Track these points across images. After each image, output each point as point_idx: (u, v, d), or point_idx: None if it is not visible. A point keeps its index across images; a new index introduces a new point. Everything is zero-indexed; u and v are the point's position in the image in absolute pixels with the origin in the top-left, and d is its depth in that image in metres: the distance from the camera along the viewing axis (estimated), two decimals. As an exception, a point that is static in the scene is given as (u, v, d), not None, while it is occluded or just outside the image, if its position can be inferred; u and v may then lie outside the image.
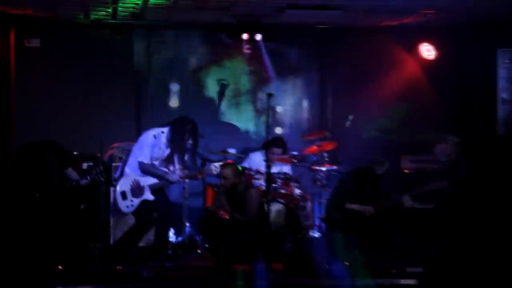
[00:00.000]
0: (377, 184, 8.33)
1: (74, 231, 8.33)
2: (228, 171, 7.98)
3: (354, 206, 8.22)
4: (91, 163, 9.12)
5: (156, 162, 7.96)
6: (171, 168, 8.01)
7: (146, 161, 7.86)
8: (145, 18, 9.82)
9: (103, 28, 10.27)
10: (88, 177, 8.05)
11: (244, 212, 7.79)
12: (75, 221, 8.55)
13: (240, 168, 8.38)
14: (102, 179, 8.27)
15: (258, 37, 10.12)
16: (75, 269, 7.29)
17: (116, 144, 9.66)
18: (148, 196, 7.91)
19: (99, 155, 9.23)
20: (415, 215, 9.28)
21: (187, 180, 8.81)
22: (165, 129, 7.94)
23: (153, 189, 7.95)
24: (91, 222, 8.91)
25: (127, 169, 7.97)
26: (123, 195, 7.90)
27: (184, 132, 7.85)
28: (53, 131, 9.92)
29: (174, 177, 7.94)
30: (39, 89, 10.28)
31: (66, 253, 7.67)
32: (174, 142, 7.87)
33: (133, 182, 7.87)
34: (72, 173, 8.15)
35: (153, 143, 7.86)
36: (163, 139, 7.89)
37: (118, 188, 7.92)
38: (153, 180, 7.94)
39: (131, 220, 8.26)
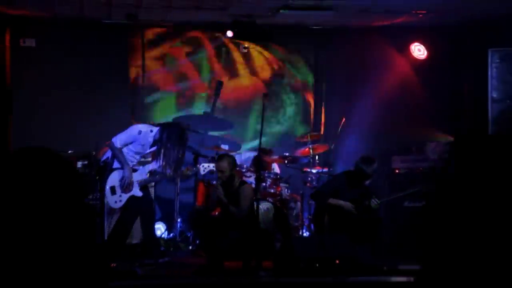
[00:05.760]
0: (366, 183, 8.27)
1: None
2: (223, 164, 7.78)
3: (339, 202, 8.13)
4: (85, 162, 9.10)
5: (137, 156, 7.97)
6: (151, 165, 8.06)
7: (117, 144, 7.81)
8: (141, 18, 9.82)
9: (99, 27, 10.33)
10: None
11: (238, 206, 7.75)
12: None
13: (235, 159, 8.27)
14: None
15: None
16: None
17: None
18: (137, 192, 7.93)
19: (93, 153, 9.18)
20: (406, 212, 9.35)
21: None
22: (155, 129, 7.88)
23: (142, 185, 7.96)
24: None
25: (116, 164, 7.95)
26: (112, 190, 7.89)
27: (172, 138, 7.76)
28: (49, 130, 9.93)
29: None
30: (34, 88, 10.27)
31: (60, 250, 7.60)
32: (159, 144, 7.79)
33: (123, 178, 7.86)
34: None
35: (134, 137, 7.82)
36: (149, 138, 7.83)
37: (108, 183, 7.89)
38: (142, 176, 7.96)
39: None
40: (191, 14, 9.80)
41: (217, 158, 8.08)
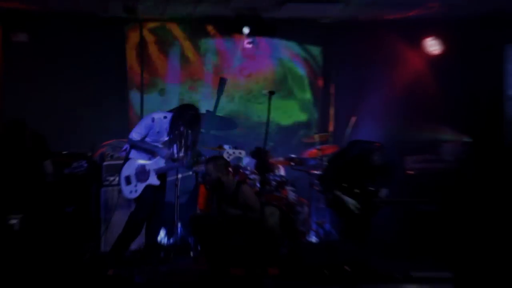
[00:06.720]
0: (370, 173, 7.89)
1: (63, 234, 8.19)
2: (209, 166, 7.71)
3: (342, 197, 7.80)
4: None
5: (156, 144, 7.98)
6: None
7: (135, 138, 7.86)
8: (140, 12, 9.82)
9: (96, 22, 10.28)
10: (66, 171, 7.87)
11: (250, 210, 7.62)
12: (64, 223, 8.38)
13: (226, 161, 8.11)
14: (81, 172, 8.13)
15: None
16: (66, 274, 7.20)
17: (107, 142, 9.58)
18: (154, 180, 7.88)
19: (89, 154, 9.05)
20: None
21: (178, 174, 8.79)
22: (169, 115, 7.90)
23: (159, 173, 7.90)
24: (81, 225, 8.69)
25: (132, 153, 7.96)
26: (127, 180, 7.87)
27: (185, 119, 7.78)
28: (43, 129, 9.33)
29: (164, 152, 7.85)
30: (27, 85, 10.18)
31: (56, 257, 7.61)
32: (173, 128, 7.82)
33: (138, 167, 7.85)
34: (48, 166, 8.02)
35: (149, 125, 7.85)
36: (164, 124, 7.86)
37: (122, 172, 7.88)
38: (159, 164, 7.89)
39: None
40: (193, 7, 9.75)
41: (206, 161, 8.03)
